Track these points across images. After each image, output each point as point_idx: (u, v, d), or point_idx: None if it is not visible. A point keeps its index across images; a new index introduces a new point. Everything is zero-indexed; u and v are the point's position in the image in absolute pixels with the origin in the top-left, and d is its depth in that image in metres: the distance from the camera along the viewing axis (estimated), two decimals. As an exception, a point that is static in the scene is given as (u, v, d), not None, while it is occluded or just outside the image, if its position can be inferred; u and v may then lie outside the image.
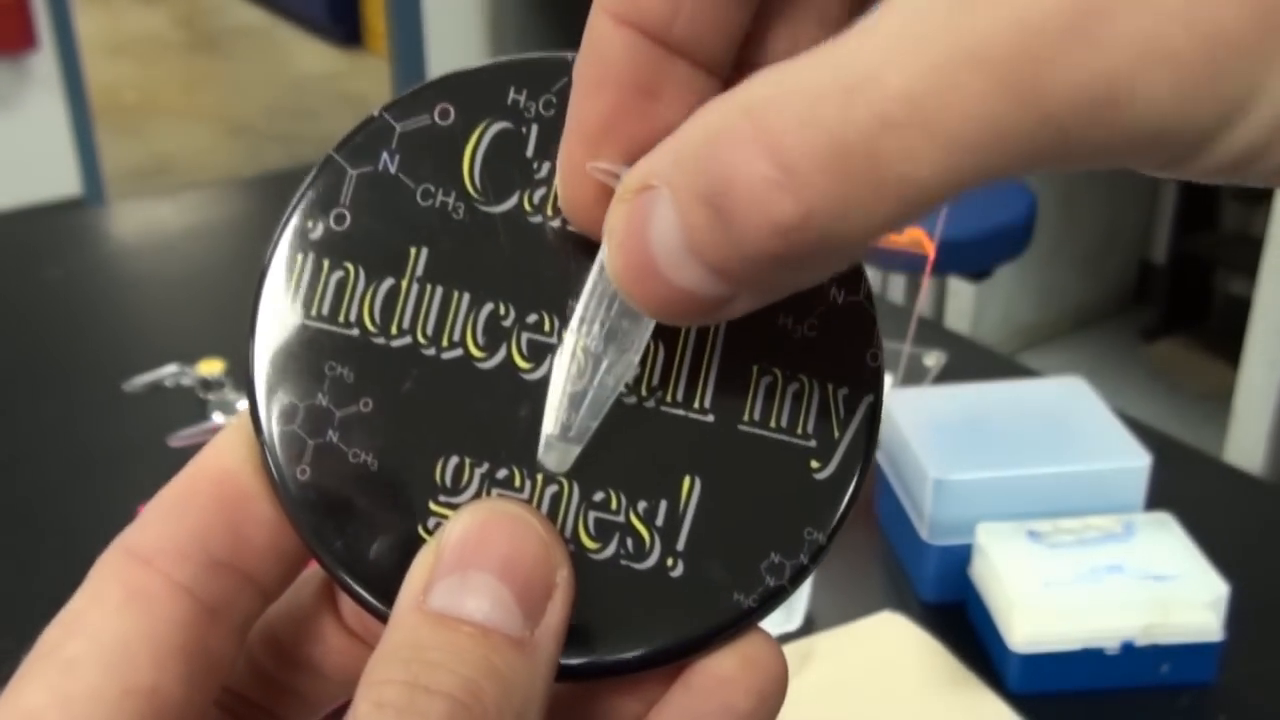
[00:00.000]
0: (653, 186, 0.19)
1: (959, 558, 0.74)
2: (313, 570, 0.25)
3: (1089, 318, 2.49)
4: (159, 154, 3.41)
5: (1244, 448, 1.80)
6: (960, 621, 0.73)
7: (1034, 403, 0.81)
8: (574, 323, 0.22)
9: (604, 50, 0.20)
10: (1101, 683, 0.69)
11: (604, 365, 0.22)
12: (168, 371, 0.91)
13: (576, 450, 0.22)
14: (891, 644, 0.72)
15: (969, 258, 1.69)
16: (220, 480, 0.22)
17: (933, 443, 0.75)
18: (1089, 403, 0.81)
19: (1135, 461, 0.75)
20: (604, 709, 0.23)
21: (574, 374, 0.22)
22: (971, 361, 1.04)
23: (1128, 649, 0.68)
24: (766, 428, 0.23)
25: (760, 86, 0.18)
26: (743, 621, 0.22)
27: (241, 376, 0.90)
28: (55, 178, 2.78)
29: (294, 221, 0.23)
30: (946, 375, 0.97)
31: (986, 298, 2.24)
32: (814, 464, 0.23)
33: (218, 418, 0.86)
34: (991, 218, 1.67)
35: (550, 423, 0.22)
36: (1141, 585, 0.68)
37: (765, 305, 0.20)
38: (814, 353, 0.23)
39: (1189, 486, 0.85)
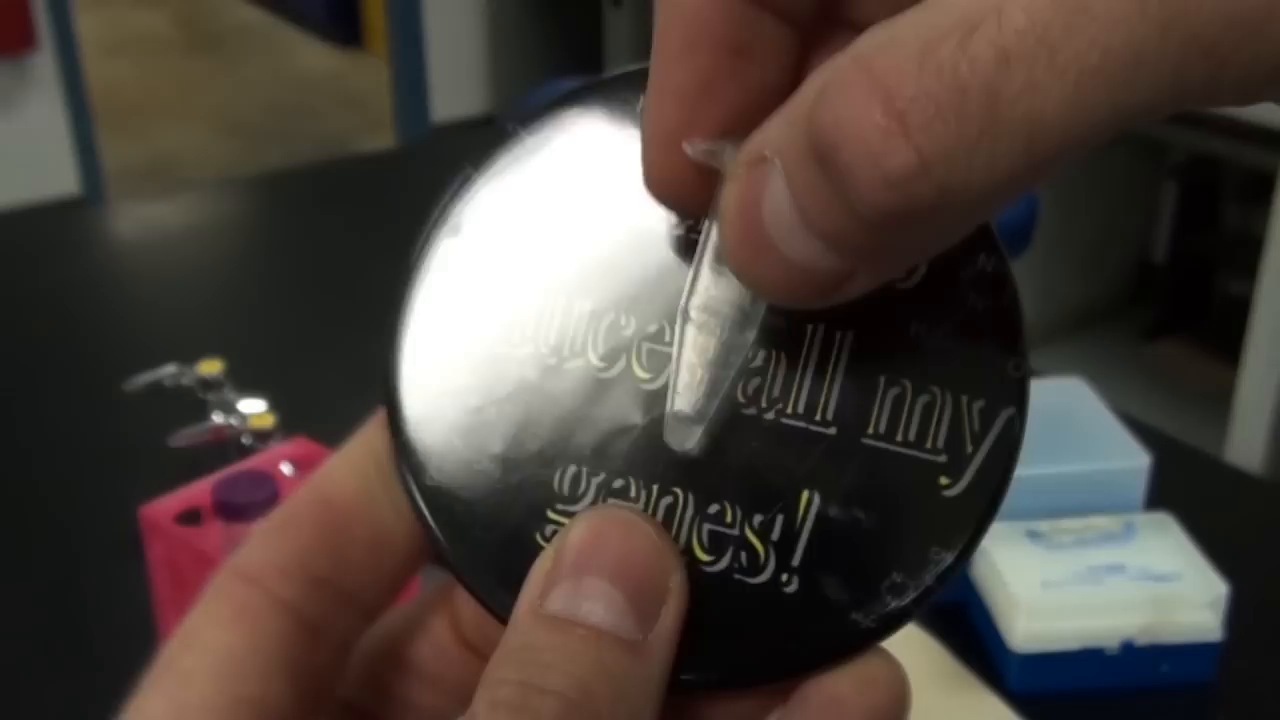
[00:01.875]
0: (765, 159, 0.18)
1: (959, 558, 0.73)
2: (437, 589, 0.26)
3: (1089, 318, 2.49)
4: (159, 154, 3.41)
5: (1244, 448, 1.80)
6: (960, 621, 0.73)
7: (1034, 403, 0.81)
8: (692, 300, 0.21)
9: (693, 11, 0.19)
10: (1101, 683, 0.69)
11: (722, 342, 0.21)
12: (167, 371, 0.91)
13: (700, 429, 0.22)
14: (891, 644, 0.71)
15: (969, 258, 1.68)
16: (322, 505, 0.23)
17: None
18: (1089, 403, 0.81)
19: (1135, 461, 0.75)
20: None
21: (695, 353, 0.21)
22: (971, 361, 1.04)
23: (1128, 649, 0.68)
24: (892, 441, 0.21)
25: (873, 36, 0.17)
26: (860, 643, 0.21)
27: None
28: (55, 178, 2.78)
29: (431, 235, 0.24)
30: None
31: (986, 298, 2.23)
32: (943, 480, 0.21)
33: (217, 417, 0.86)
34: (991, 218, 1.67)
35: (676, 402, 0.22)
36: (1141, 585, 0.68)
37: (886, 281, 0.18)
38: (948, 362, 0.22)
39: (1189, 486, 0.85)
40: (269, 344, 1.05)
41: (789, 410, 0.22)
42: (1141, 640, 0.68)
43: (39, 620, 0.75)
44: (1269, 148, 1.92)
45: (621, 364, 0.23)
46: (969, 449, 0.21)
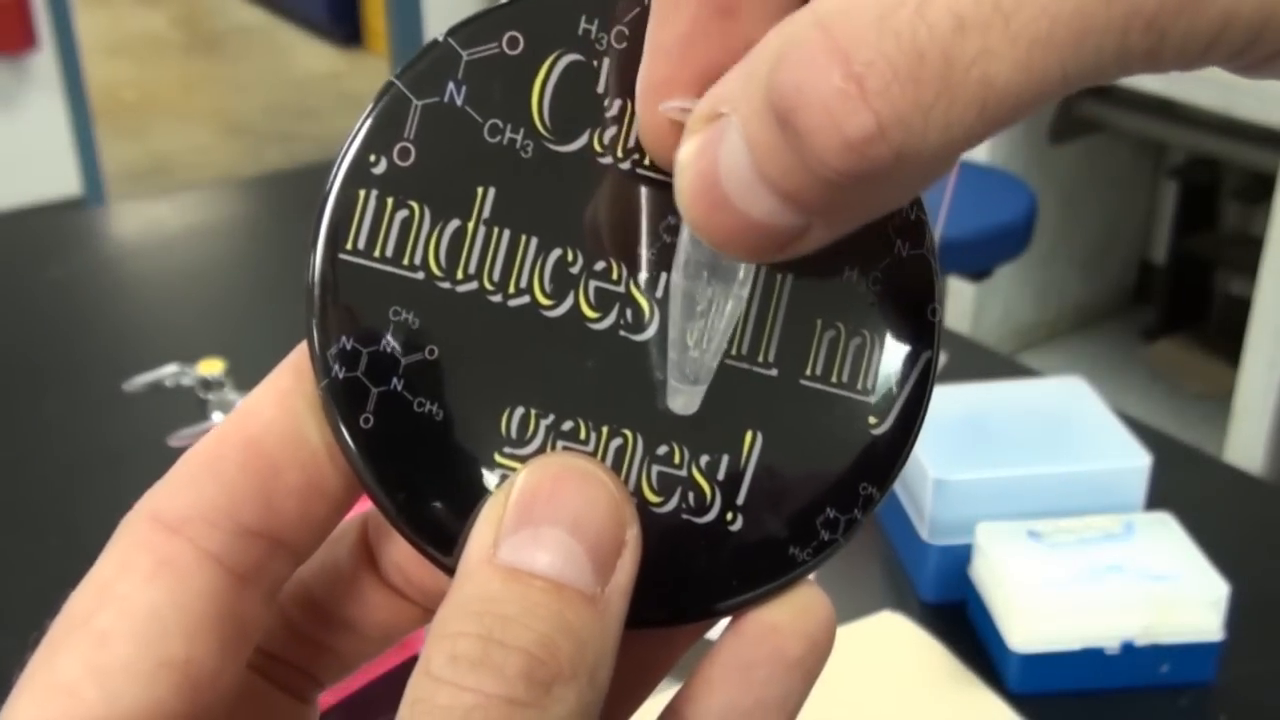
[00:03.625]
0: (723, 114, 0.18)
1: (959, 558, 0.74)
2: (347, 526, 0.25)
3: (1089, 318, 2.49)
4: (158, 154, 3.41)
5: (1244, 448, 1.80)
6: (960, 621, 0.73)
7: (1034, 403, 0.81)
8: (679, 264, 0.21)
9: None
10: (1101, 683, 0.69)
11: (714, 303, 0.21)
12: (168, 371, 0.91)
13: (702, 391, 0.22)
14: (891, 644, 0.72)
15: (969, 258, 1.69)
16: (248, 446, 0.22)
17: (933, 443, 0.75)
18: (1089, 403, 0.81)
19: (1135, 461, 0.75)
20: (634, 653, 0.23)
21: (688, 316, 0.21)
22: (971, 361, 1.04)
23: (1128, 649, 0.68)
24: (828, 383, 0.22)
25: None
26: (798, 575, 0.22)
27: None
28: (55, 178, 2.78)
29: (354, 154, 0.22)
30: (946, 375, 0.96)
31: (986, 298, 2.24)
32: (872, 420, 0.23)
33: (217, 417, 0.86)
34: (991, 218, 1.67)
35: (674, 367, 0.22)
36: (1141, 585, 0.68)
37: (840, 236, 0.19)
38: (877, 306, 0.23)
39: (1189, 486, 0.85)
40: (269, 344, 1.05)
41: (733, 352, 0.22)
42: (1141, 640, 0.68)
43: (39, 621, 0.74)
44: (1269, 148, 1.92)
45: (569, 302, 0.22)
46: (894, 390, 0.23)
